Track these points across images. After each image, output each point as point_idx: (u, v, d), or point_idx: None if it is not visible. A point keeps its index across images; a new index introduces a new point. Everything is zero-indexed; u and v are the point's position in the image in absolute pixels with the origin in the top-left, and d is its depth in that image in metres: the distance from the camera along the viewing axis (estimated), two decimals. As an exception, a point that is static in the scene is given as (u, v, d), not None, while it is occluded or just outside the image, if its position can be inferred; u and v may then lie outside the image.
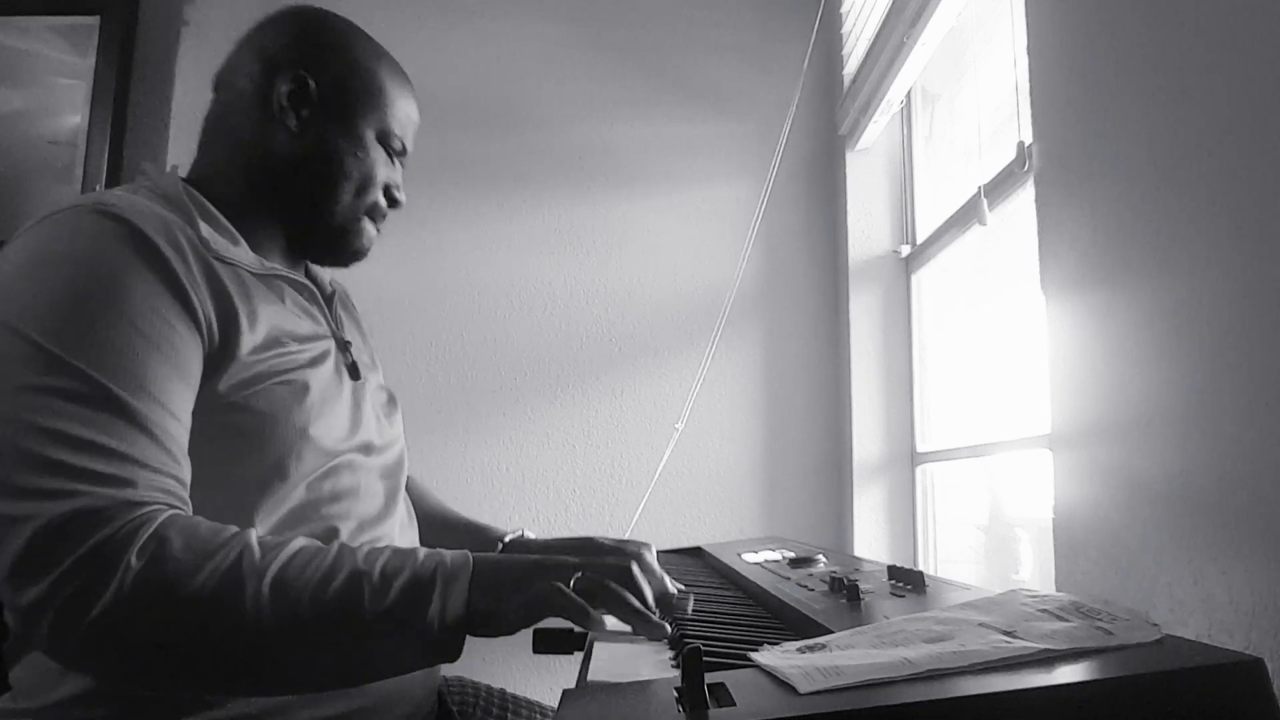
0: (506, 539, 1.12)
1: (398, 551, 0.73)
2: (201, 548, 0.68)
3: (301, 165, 0.94)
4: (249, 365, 0.80)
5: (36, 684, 0.77)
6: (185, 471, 0.75)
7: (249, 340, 0.81)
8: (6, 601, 0.68)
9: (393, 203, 1.00)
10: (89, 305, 0.73)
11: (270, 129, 0.93)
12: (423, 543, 1.04)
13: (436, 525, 1.14)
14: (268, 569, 0.68)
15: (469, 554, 0.75)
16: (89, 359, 0.71)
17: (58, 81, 2.14)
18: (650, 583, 0.77)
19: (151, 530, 0.67)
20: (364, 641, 0.70)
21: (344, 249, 0.99)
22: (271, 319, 0.85)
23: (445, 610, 0.70)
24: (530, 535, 1.14)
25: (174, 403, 0.75)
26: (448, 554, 0.74)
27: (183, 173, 0.95)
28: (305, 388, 0.84)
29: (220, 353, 0.79)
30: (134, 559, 0.66)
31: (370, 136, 0.97)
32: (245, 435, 0.80)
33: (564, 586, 0.71)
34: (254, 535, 0.71)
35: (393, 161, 1.00)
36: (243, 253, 0.87)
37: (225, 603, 0.67)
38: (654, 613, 0.73)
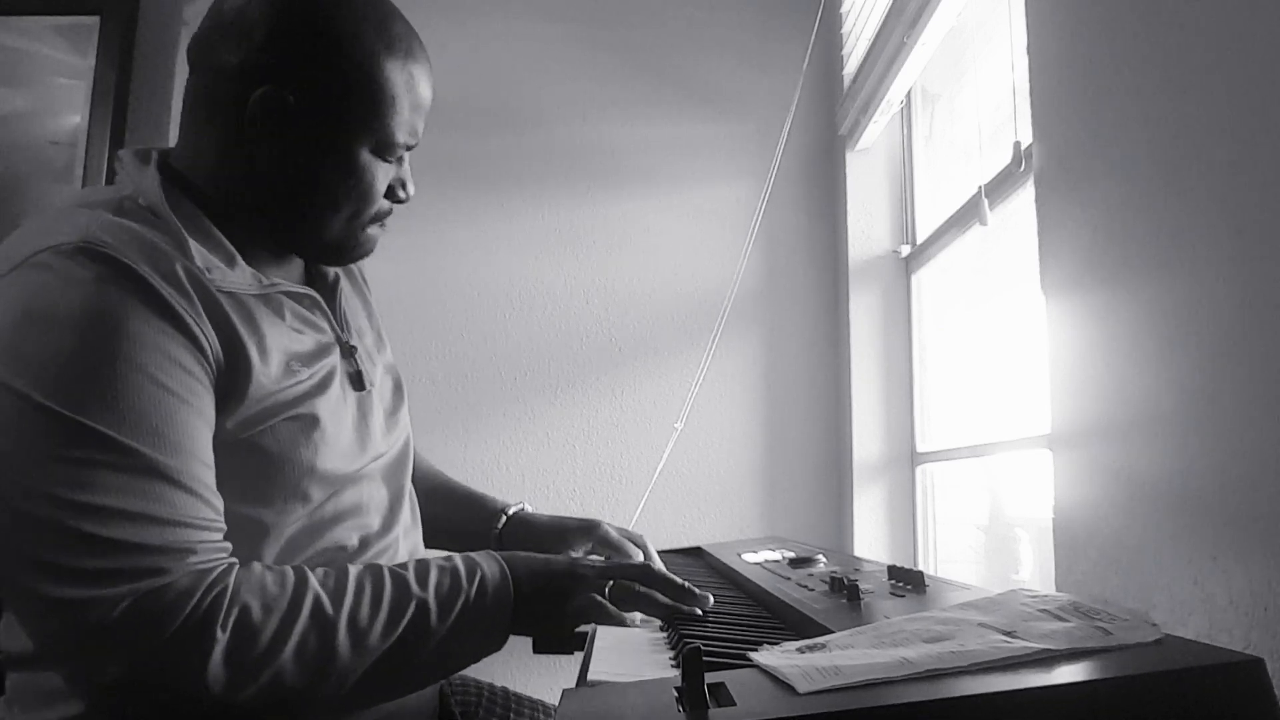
0: (510, 511, 1.13)
1: (442, 570, 0.80)
2: (276, 606, 0.71)
3: (284, 192, 0.83)
4: (260, 400, 0.78)
5: (33, 701, 0.76)
6: (221, 514, 0.75)
7: (261, 372, 0.78)
8: (76, 678, 0.70)
9: (398, 201, 0.91)
10: (97, 361, 0.68)
11: (248, 148, 0.82)
12: (424, 512, 1.05)
13: (439, 496, 1.15)
14: (340, 616, 0.73)
15: (503, 565, 0.83)
16: (108, 420, 0.67)
17: (58, 81, 2.14)
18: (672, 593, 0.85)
19: (228, 598, 0.69)
20: (428, 660, 0.78)
21: (343, 258, 0.92)
22: (278, 343, 0.81)
23: (494, 624, 0.80)
24: (530, 509, 1.15)
25: (201, 449, 0.73)
26: (486, 568, 0.82)
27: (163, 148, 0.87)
28: (314, 421, 0.82)
29: (229, 387, 0.76)
30: (219, 632, 0.68)
31: (365, 153, 0.84)
32: (253, 477, 0.78)
33: (600, 598, 0.82)
34: (315, 580, 0.75)
35: (399, 160, 0.89)
36: (240, 274, 0.81)
37: (308, 657, 0.71)
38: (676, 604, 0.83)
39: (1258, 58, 0.67)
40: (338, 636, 0.72)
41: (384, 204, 0.89)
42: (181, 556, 0.68)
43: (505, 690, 1.12)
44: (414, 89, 0.86)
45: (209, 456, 0.74)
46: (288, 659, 0.70)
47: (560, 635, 0.83)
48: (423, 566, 0.80)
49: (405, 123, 0.85)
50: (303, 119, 0.80)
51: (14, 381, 0.67)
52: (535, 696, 1.15)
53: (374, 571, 0.78)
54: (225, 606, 0.68)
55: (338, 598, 0.74)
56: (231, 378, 0.76)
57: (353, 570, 0.77)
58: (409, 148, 0.89)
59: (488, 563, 0.82)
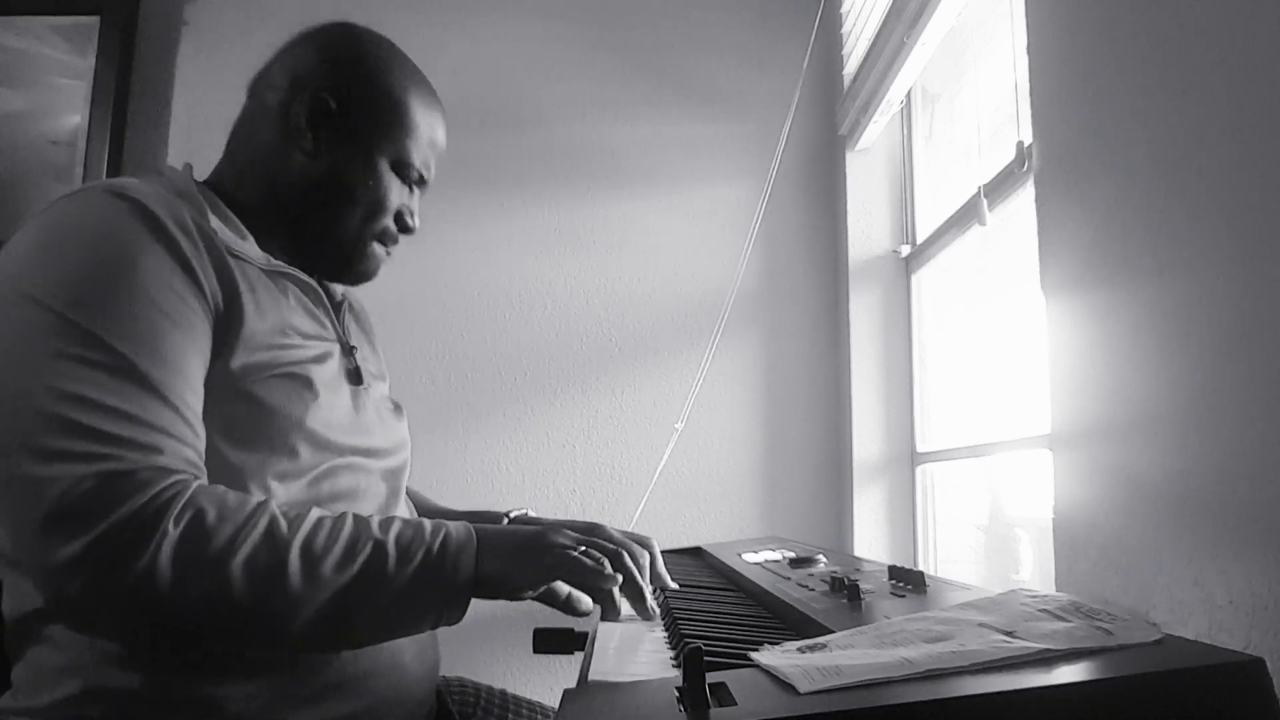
0: (511, 515, 1.14)
1: (408, 522, 0.80)
2: (232, 516, 0.72)
3: (312, 188, 0.94)
4: (255, 349, 0.82)
5: (35, 683, 0.77)
6: (202, 442, 0.78)
7: (254, 320, 0.83)
8: (35, 560, 0.70)
9: (404, 228, 1.00)
10: (107, 279, 0.75)
11: (288, 147, 0.94)
12: None
13: (434, 516, 1.14)
14: (295, 537, 0.74)
15: (470, 528, 0.82)
16: (110, 331, 0.73)
17: (58, 81, 2.14)
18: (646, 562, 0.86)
19: (186, 498, 0.71)
20: (383, 604, 0.76)
21: (349, 270, 0.99)
22: (276, 310, 0.87)
23: (456, 577, 0.78)
24: (532, 514, 1.16)
25: (191, 374, 0.77)
26: (451, 525, 0.81)
27: (201, 175, 0.96)
28: (308, 382, 0.86)
29: (225, 331, 0.81)
30: (170, 526, 0.69)
31: (385, 164, 0.96)
32: (245, 425, 0.81)
33: (576, 553, 0.81)
34: (274, 505, 0.76)
35: (409, 188, 1.00)
36: (250, 248, 0.89)
37: (258, 570, 0.71)
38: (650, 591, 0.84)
39: (1258, 58, 0.67)
40: (289, 558, 0.72)
41: (391, 226, 0.99)
42: (147, 452, 0.71)
43: (503, 692, 1.12)
44: (433, 127, 1.00)
45: (196, 383, 0.78)
46: (236, 569, 0.70)
47: (531, 590, 0.81)
48: (389, 518, 0.80)
49: (421, 152, 0.98)
50: (339, 123, 0.94)
51: (28, 288, 0.75)
52: (535, 698, 1.15)
53: (338, 515, 0.78)
54: (181, 505, 0.70)
55: (295, 524, 0.75)
56: (228, 323, 0.82)
57: (316, 510, 0.78)
58: (422, 180, 1.00)
59: (456, 526, 0.82)
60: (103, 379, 0.72)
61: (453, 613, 0.79)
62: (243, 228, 0.90)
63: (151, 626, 0.72)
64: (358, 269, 0.99)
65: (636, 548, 0.87)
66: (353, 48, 0.97)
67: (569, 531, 0.85)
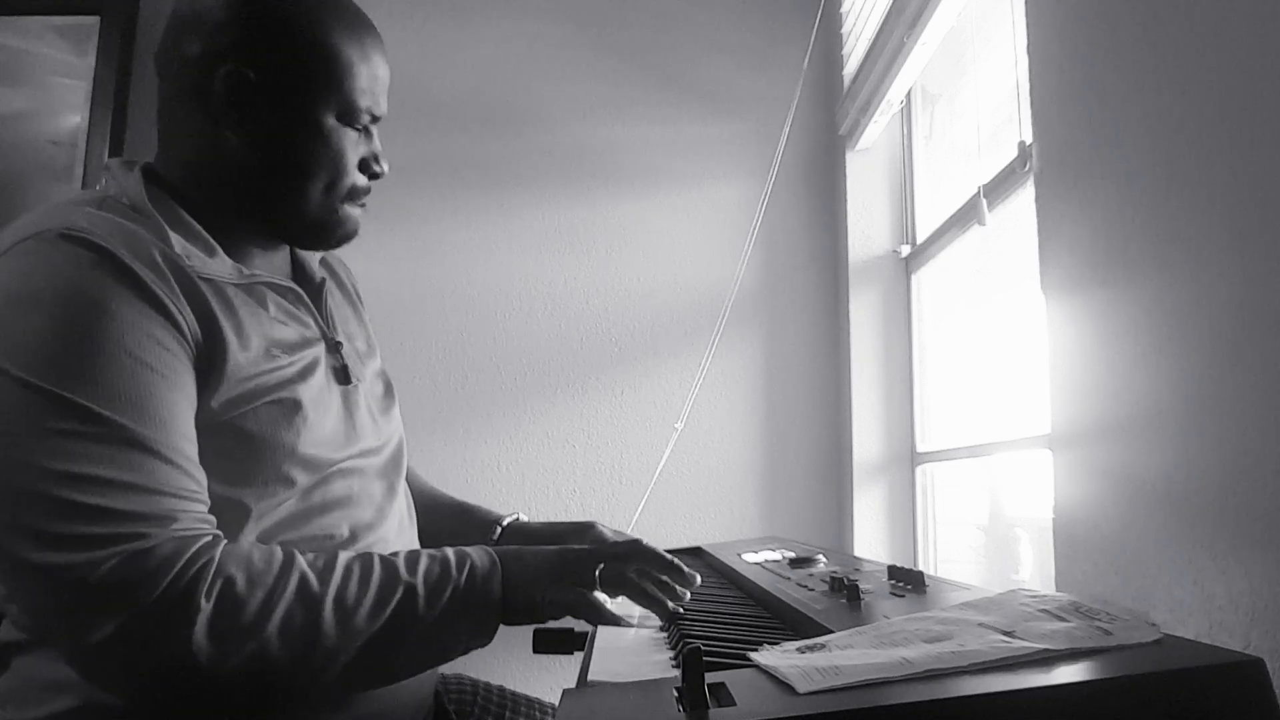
0: (504, 522, 1.13)
1: (433, 558, 0.80)
2: (262, 580, 0.71)
3: (259, 170, 0.86)
4: (240, 381, 0.79)
5: (27, 698, 0.76)
6: (205, 488, 0.76)
7: (238, 355, 0.79)
8: (64, 642, 0.69)
9: (373, 176, 0.92)
10: (79, 339, 0.71)
11: (217, 129, 0.84)
12: (418, 525, 1.05)
13: (432, 510, 1.14)
14: (326, 594, 0.73)
15: (492, 553, 0.83)
16: (91, 395, 0.69)
17: (58, 81, 2.14)
18: (660, 568, 0.85)
19: (214, 568, 0.69)
20: (416, 646, 0.78)
21: (327, 237, 0.92)
22: (258, 329, 0.83)
23: (483, 614, 0.79)
24: (524, 519, 1.15)
25: (184, 425, 0.75)
26: (476, 557, 0.82)
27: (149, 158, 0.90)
28: (296, 405, 0.83)
29: (208, 368, 0.78)
30: (203, 601, 0.68)
31: (330, 120, 0.86)
32: (235, 458, 0.79)
33: (586, 594, 0.81)
34: (302, 560, 0.75)
35: (364, 133, 0.90)
36: (219, 264, 0.83)
37: (293, 631, 0.71)
38: (663, 597, 0.82)
39: (1258, 58, 0.67)
40: (323, 614, 0.72)
41: (360, 179, 0.91)
42: (163, 523, 0.69)
43: (501, 689, 1.12)
44: (369, 59, 0.89)
45: (190, 431, 0.75)
46: (272, 633, 0.70)
47: (551, 620, 0.84)
48: (414, 555, 0.81)
49: (364, 90, 0.88)
50: (265, 92, 0.84)
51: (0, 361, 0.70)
52: (534, 696, 1.15)
53: (363, 557, 0.78)
54: (210, 576, 0.69)
55: (324, 577, 0.74)
56: (209, 359, 0.78)
57: (342, 555, 0.78)
58: (375, 118, 0.91)
59: (478, 554, 0.82)
60: (95, 450, 0.68)
61: (482, 639, 0.81)
62: (209, 239, 0.83)
63: (196, 697, 0.71)
64: (337, 235, 0.91)
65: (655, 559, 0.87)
66: (254, 3, 0.85)
67: (581, 548, 0.87)
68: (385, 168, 0.92)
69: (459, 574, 0.79)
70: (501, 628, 0.82)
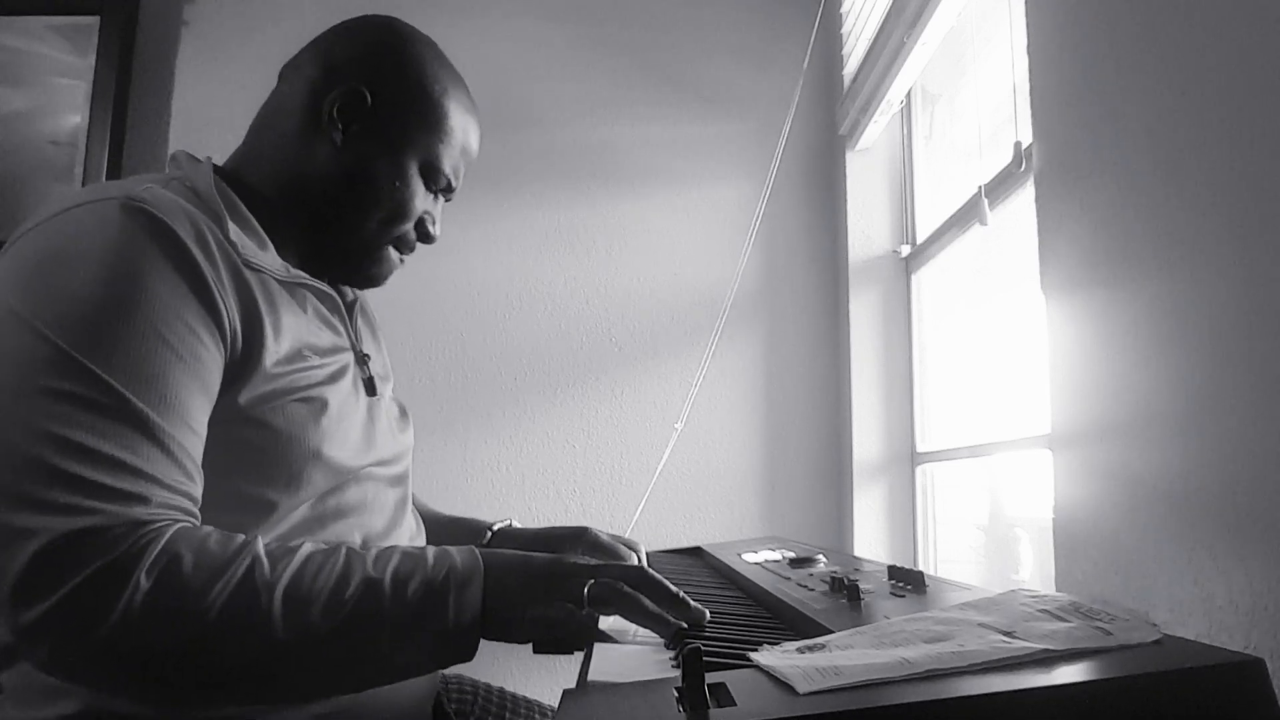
0: (495, 528, 1.13)
1: (407, 555, 0.73)
2: (211, 563, 0.66)
3: (335, 183, 0.90)
4: (271, 378, 0.79)
5: (28, 699, 0.75)
6: (199, 487, 0.73)
7: (273, 351, 0.79)
8: (5, 620, 0.66)
9: (424, 236, 0.96)
10: (112, 308, 0.70)
11: (315, 137, 0.90)
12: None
13: (425, 522, 1.14)
14: (278, 581, 0.67)
15: (478, 554, 0.75)
16: (109, 366, 0.68)
17: (58, 81, 2.14)
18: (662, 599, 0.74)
19: (161, 546, 0.65)
20: (379, 649, 0.69)
21: (360, 273, 0.96)
22: (295, 330, 0.83)
23: (460, 614, 0.70)
24: (517, 524, 1.15)
25: (193, 415, 0.73)
26: (457, 555, 0.74)
27: (221, 159, 0.92)
28: (323, 406, 0.82)
29: (242, 363, 0.77)
30: (143, 578, 0.64)
31: (414, 167, 0.92)
32: (258, 451, 0.78)
33: (576, 610, 0.72)
34: (262, 545, 0.70)
35: (435, 196, 0.97)
36: (270, 258, 0.84)
37: (238, 619, 0.66)
38: (665, 614, 0.72)
39: (1258, 58, 0.67)
40: (273, 605, 0.66)
41: (411, 232, 0.96)
42: (131, 504, 0.66)
43: (501, 690, 1.12)
44: (468, 134, 0.99)
45: (197, 422, 0.73)
46: (213, 619, 0.65)
47: (534, 639, 0.73)
48: (389, 550, 0.74)
49: (453, 158, 0.96)
50: (372, 119, 0.90)
51: (25, 312, 0.69)
52: (534, 697, 1.15)
53: (331, 548, 0.73)
54: (155, 554, 0.65)
55: (280, 565, 0.68)
56: (246, 351, 0.77)
57: (307, 544, 0.72)
58: (449, 188, 0.98)
59: (461, 552, 0.75)
60: (95, 421, 0.67)
61: (462, 645, 0.71)
62: (262, 233, 0.85)
63: (128, 683, 0.67)
64: (369, 273, 0.95)
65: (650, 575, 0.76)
66: (394, 41, 0.93)
67: (578, 559, 0.76)
68: (437, 234, 0.98)
69: (435, 571, 0.72)
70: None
